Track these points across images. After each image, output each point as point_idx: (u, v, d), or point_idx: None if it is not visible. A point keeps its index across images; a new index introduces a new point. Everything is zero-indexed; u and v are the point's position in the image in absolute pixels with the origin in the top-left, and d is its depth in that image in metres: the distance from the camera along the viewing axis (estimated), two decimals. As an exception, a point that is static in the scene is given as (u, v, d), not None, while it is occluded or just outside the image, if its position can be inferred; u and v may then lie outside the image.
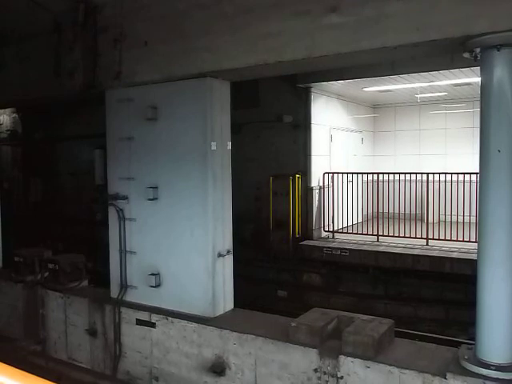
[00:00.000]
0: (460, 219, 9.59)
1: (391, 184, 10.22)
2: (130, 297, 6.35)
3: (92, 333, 6.58)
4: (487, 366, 4.11)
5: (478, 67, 4.30)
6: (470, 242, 8.90)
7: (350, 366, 4.63)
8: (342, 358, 4.67)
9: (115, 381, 6.30)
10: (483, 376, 4.06)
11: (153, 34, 5.86)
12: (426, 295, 9.12)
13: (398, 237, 9.82)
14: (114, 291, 6.49)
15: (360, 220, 11.58)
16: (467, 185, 9.27)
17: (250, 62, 5.20)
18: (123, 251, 6.36)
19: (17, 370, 1.78)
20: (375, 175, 10.52)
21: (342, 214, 10.64)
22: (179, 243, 5.94)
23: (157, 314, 6.01)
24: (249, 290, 8.47)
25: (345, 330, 4.86)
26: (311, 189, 10.41)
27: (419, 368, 4.35)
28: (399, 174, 10.22)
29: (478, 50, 4.15)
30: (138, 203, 6.24)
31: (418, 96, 11.57)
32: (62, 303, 6.98)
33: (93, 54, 6.38)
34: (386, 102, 13.13)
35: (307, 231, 10.43)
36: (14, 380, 1.71)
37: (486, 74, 4.18)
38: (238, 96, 6.83)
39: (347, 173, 10.69)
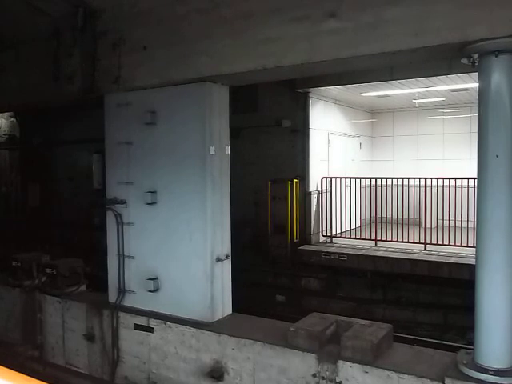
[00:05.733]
0: (458, 224, 9.61)
1: (389, 189, 10.24)
2: (128, 301, 6.34)
3: (90, 338, 6.56)
4: (485, 370, 4.11)
5: (476, 73, 4.32)
6: (468, 246, 8.90)
7: (348, 370, 4.62)
8: (340, 362, 4.66)
9: (113, 386, 6.28)
10: (482, 381, 4.07)
11: (152, 38, 5.88)
12: (425, 300, 9.12)
13: (396, 242, 9.82)
14: (112, 296, 6.47)
15: (358, 225, 11.58)
16: (465, 190, 9.29)
17: (248, 66, 5.22)
18: (121, 256, 6.35)
19: (16, 373, 1.78)
20: (373, 180, 10.53)
21: (341, 219, 10.64)
22: (178, 248, 5.93)
23: (155, 318, 6.00)
24: (247, 295, 8.45)
25: (343, 334, 4.86)
26: (309, 193, 10.42)
27: (418, 373, 4.35)
28: (397, 178, 10.25)
29: (475, 55, 4.17)
30: (137, 207, 6.23)
31: (416, 101, 11.61)
32: (59, 308, 6.96)
33: (92, 59, 6.39)
34: (384, 107, 13.16)
35: (305, 236, 10.43)
36: (11, 382, 1.71)
37: (483, 80, 4.20)
38: (236, 100, 6.84)
39: (345, 177, 10.70)
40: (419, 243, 9.63)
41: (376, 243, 10.06)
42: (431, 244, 9.54)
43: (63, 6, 6.38)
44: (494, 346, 4.17)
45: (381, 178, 10.31)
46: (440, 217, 9.90)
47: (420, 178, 9.83)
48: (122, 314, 6.27)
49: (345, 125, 12.19)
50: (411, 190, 10.29)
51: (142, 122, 6.06)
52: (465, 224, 9.44)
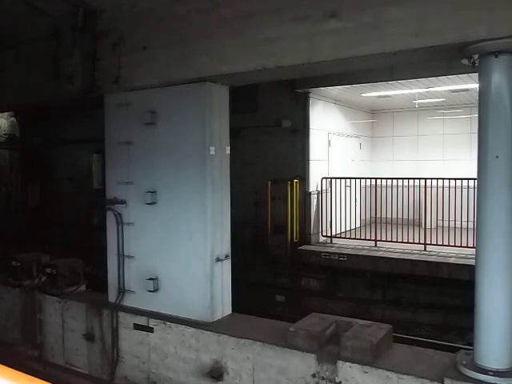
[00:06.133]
0: (458, 224, 9.61)
1: (389, 189, 10.24)
2: (128, 301, 6.34)
3: (89, 338, 6.56)
4: (485, 371, 4.11)
5: (476, 73, 4.32)
6: (467, 247, 8.90)
7: (348, 371, 4.62)
8: (340, 363, 4.66)
9: (112, 386, 6.28)
10: (481, 381, 4.07)
11: (152, 38, 5.88)
12: (424, 300, 9.12)
13: (396, 242, 9.82)
14: (112, 296, 6.47)
15: (358, 225, 11.58)
16: (465, 190, 9.29)
17: (249, 66, 5.22)
18: (121, 256, 6.35)
19: (19, 372, 1.78)
20: (373, 180, 10.54)
21: (340, 219, 10.64)
22: (177, 248, 5.93)
23: (155, 318, 6.00)
24: (247, 295, 8.45)
25: (343, 334, 4.86)
26: (309, 193, 10.42)
27: (417, 373, 4.35)
28: (397, 179, 10.24)
29: (476, 56, 4.18)
30: (137, 207, 6.23)
31: (416, 102, 11.60)
32: (59, 308, 6.96)
33: (92, 59, 6.39)
34: (384, 107, 13.16)
35: (305, 236, 10.43)
36: (12, 381, 1.71)
37: (484, 81, 4.20)
38: (236, 100, 6.84)
39: (345, 178, 10.70)
40: (419, 244, 9.63)
41: (376, 243, 10.05)
42: (431, 244, 9.53)
43: (63, 5, 6.38)
44: (493, 346, 4.17)
45: (381, 179, 10.32)
46: (440, 217, 9.90)
47: (420, 179, 9.84)
48: (121, 314, 6.27)
49: (345, 125, 12.19)
50: (411, 190, 10.28)
51: (142, 121, 6.06)
52: (465, 224, 9.44)
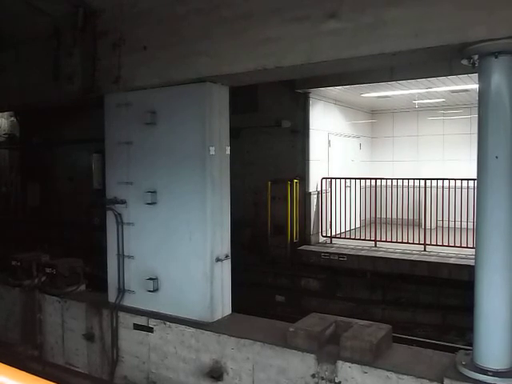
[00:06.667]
0: (458, 225, 9.61)
1: (389, 189, 10.24)
2: (128, 301, 6.34)
3: (89, 337, 6.56)
4: (485, 371, 4.11)
5: (476, 74, 4.32)
6: (467, 247, 8.91)
7: (347, 371, 4.62)
8: (339, 363, 4.66)
9: (112, 386, 6.28)
10: (480, 382, 4.06)
11: (152, 38, 5.88)
12: (424, 301, 9.12)
13: (396, 242, 9.83)
14: (112, 296, 6.47)
15: (358, 225, 11.58)
16: (465, 191, 9.30)
17: (249, 67, 5.22)
18: (121, 255, 6.35)
19: (17, 370, 1.78)
20: (373, 181, 10.54)
21: (340, 220, 10.65)
22: (177, 248, 5.93)
23: (154, 318, 5.99)
24: (247, 295, 8.46)
25: (343, 335, 4.85)
26: (309, 194, 10.43)
27: (417, 373, 4.35)
28: (397, 179, 10.25)
29: (475, 57, 4.18)
30: (137, 207, 6.23)
31: (416, 102, 11.61)
32: (59, 308, 6.95)
33: (92, 59, 6.39)
34: (384, 107, 13.17)
35: (305, 236, 10.43)
36: (14, 380, 1.71)
37: (483, 81, 4.20)
38: (236, 101, 6.85)
39: (345, 178, 10.71)
40: (419, 244, 9.64)
41: (376, 244, 10.07)
42: (431, 245, 9.54)
43: (63, 5, 6.38)
44: (493, 346, 4.17)
45: (381, 179, 10.32)
46: (440, 217, 9.91)
47: (420, 179, 9.85)
48: (121, 314, 6.27)
49: (345, 125, 12.20)
50: (411, 190, 10.29)
51: (141, 121, 6.06)
52: (464, 225, 9.45)
